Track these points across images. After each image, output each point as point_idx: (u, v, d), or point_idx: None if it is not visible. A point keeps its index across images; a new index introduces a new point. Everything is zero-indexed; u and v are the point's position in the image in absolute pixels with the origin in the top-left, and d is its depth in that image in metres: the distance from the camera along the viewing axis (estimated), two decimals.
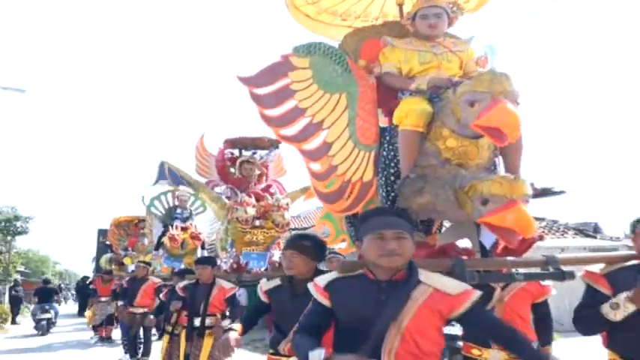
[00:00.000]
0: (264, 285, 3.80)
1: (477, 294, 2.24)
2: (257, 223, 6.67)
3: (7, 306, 21.06)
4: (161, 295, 6.99)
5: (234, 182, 7.45)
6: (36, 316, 16.09)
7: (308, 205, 19.77)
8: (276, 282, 3.72)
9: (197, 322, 5.50)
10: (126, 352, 9.68)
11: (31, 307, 20.40)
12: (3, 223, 27.62)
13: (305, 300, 2.56)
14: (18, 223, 28.16)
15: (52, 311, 16.28)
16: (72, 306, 31.57)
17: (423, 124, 2.97)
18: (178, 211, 10.40)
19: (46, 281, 19.54)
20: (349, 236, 3.94)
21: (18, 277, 27.58)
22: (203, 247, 10.13)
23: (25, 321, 21.40)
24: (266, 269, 6.57)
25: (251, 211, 6.56)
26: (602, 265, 3.07)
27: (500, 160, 3.16)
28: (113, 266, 14.60)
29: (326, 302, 2.32)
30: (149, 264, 9.23)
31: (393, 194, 3.12)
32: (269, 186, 7.41)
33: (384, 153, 3.26)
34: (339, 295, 2.30)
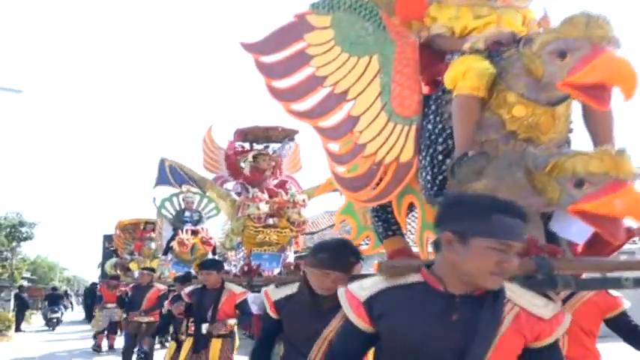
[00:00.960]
0: (271, 293, 2.75)
1: (568, 319, 1.70)
2: (270, 221, 6.00)
3: (11, 313, 20.65)
4: (166, 303, 6.43)
5: (246, 178, 6.81)
6: (47, 316, 20.98)
7: (315, 209, 18.93)
8: (288, 289, 2.72)
9: (205, 328, 5.04)
10: None
11: (37, 314, 25.08)
12: (8, 229, 27.41)
13: (330, 314, 2.39)
14: (23, 229, 28.01)
15: (59, 312, 21.48)
16: (78, 312, 31.18)
17: (483, 88, 2.33)
18: (187, 214, 9.79)
19: (55, 289, 25.10)
20: (375, 233, 3.28)
21: (24, 283, 27.29)
22: (214, 253, 9.55)
23: (31, 329, 21.03)
24: (280, 273, 6.00)
25: (264, 208, 5.91)
26: None
27: None
28: (119, 271, 14.01)
29: (366, 326, 1.71)
30: (153, 270, 8.69)
31: (441, 177, 2.51)
32: (284, 182, 6.75)
33: (429, 126, 2.61)
34: (388, 314, 1.67)
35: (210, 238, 9.03)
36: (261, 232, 5.96)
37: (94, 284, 26.42)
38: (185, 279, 6.11)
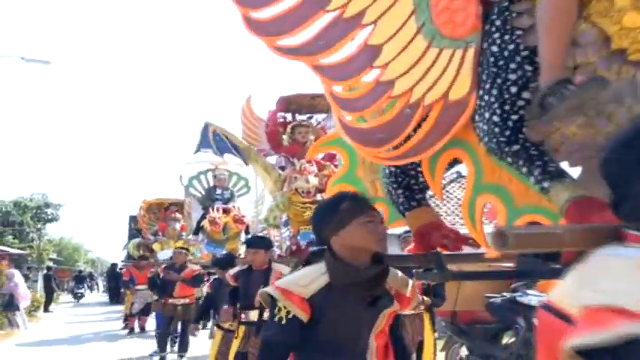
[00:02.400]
0: (303, 284, 1.95)
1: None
2: (319, 197, 5.47)
3: (40, 294, 20.69)
4: (206, 287, 6.01)
5: (287, 151, 6.27)
6: (74, 291, 27.92)
7: None
8: (323, 280, 1.93)
9: (253, 315, 4.57)
10: (158, 346, 8.83)
11: (64, 294, 29.63)
12: (34, 211, 27.51)
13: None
14: (49, 210, 28.13)
15: (83, 289, 28.81)
16: (103, 294, 31.40)
17: None
18: (218, 191, 9.41)
19: (80, 271, 32.33)
20: (392, 205, 2.48)
21: (51, 264, 27.41)
22: (247, 232, 9.14)
23: (59, 309, 21.08)
24: None
25: (313, 181, 5.41)
26: None
27: None
28: (142, 252, 13.73)
29: None
30: (188, 250, 8.28)
31: (515, 116, 1.83)
32: (332, 155, 6.09)
33: (494, 48, 1.89)
34: None
35: (243, 216, 8.63)
36: (308, 208, 5.43)
37: (114, 265, 26.59)
38: (226, 262, 5.59)
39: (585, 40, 1.71)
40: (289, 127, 6.33)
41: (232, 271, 4.95)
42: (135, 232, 20.48)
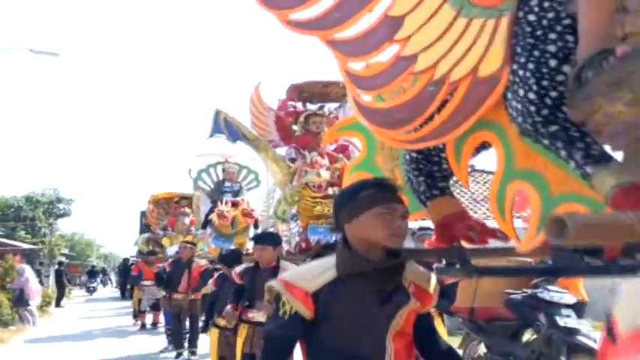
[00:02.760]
0: (309, 277, 1.79)
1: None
2: (330, 191, 5.20)
3: (51, 289, 20.72)
4: (210, 282, 5.77)
5: (299, 141, 5.91)
6: (87, 284, 29.45)
7: None
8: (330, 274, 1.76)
9: (259, 316, 4.35)
10: (169, 343, 8.67)
11: (76, 289, 30.40)
12: (46, 206, 27.61)
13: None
14: (60, 205, 28.21)
15: (95, 283, 29.85)
16: (115, 290, 31.52)
17: None
18: (227, 184, 9.22)
19: (93, 266, 33.91)
20: (412, 194, 2.26)
21: (63, 259, 27.52)
22: (256, 226, 8.94)
23: (70, 305, 21.11)
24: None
25: (325, 175, 5.15)
26: None
27: None
28: (151, 247, 13.56)
29: None
30: (194, 244, 8.08)
31: (554, 93, 1.62)
32: (344, 146, 5.81)
33: (531, 17, 1.67)
34: None
35: (252, 210, 8.43)
36: (319, 203, 5.21)
37: (126, 260, 26.62)
38: (232, 259, 5.30)
39: (636, 6, 1.48)
40: (302, 116, 5.99)
41: (238, 268, 4.70)
42: (146, 227, 20.43)
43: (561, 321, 5.61)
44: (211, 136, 6.28)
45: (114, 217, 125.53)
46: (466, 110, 1.83)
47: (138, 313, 12.65)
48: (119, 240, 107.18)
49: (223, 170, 9.38)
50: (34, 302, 13.57)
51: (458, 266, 1.90)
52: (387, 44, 1.92)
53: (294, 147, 5.84)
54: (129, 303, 19.67)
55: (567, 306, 5.84)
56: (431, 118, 1.92)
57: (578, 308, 6.04)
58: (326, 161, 5.29)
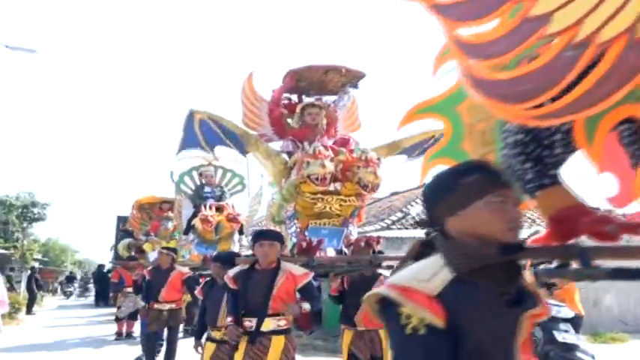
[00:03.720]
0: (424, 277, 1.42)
1: None
2: (332, 187, 4.69)
3: (23, 295, 19.99)
4: (197, 292, 5.33)
5: (295, 134, 5.39)
6: (64, 289, 31.63)
7: None
8: (445, 274, 1.41)
9: (262, 324, 3.91)
10: (143, 352, 8.18)
11: (48, 296, 29.62)
12: (20, 210, 26.80)
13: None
14: (35, 210, 27.40)
15: (72, 287, 32.03)
16: (88, 297, 30.73)
17: None
18: (207, 189, 8.78)
19: (71, 272, 36.63)
20: (518, 182, 1.92)
21: (36, 265, 26.71)
22: (241, 232, 8.55)
23: (42, 312, 20.40)
24: (340, 252, 4.93)
25: (330, 166, 4.56)
26: None
27: None
28: (133, 253, 13.07)
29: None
30: (174, 250, 7.63)
31: None
32: (345, 140, 5.33)
33: None
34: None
35: (238, 215, 8.03)
36: (319, 199, 4.68)
37: (101, 266, 25.91)
38: (228, 259, 4.77)
39: None
40: (299, 107, 5.48)
41: (231, 271, 4.24)
42: (122, 233, 19.87)
43: (559, 336, 5.39)
44: (180, 151, 5.49)
45: (90, 222, 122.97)
46: (618, 78, 1.47)
47: (115, 320, 12.11)
48: (95, 246, 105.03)
49: (200, 174, 8.96)
50: (2, 310, 12.90)
51: (577, 267, 1.60)
52: (509, 4, 1.54)
53: (290, 139, 5.32)
54: (104, 310, 19.10)
55: (565, 320, 5.60)
56: (568, 88, 1.57)
57: (575, 323, 5.80)
58: (330, 153, 4.76)
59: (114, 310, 16.32)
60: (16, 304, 16.94)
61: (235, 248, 8.12)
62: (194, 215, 8.25)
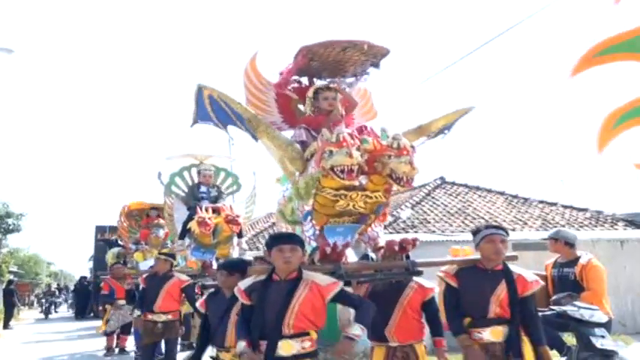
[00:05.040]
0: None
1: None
2: (356, 182, 3.85)
3: None
4: (198, 305, 4.61)
5: (308, 122, 4.60)
6: (48, 302, 26.76)
7: None
8: None
9: (282, 348, 3.26)
10: None
11: (25, 310, 28.34)
12: None
13: None
14: (10, 220, 26.35)
15: (59, 298, 29.59)
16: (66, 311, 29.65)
17: None
18: (203, 189, 8.20)
19: (49, 285, 33.61)
20: None
21: (11, 277, 25.72)
22: (240, 235, 7.97)
23: (20, 326, 19.52)
24: (366, 257, 4.31)
25: (357, 155, 3.71)
26: None
27: None
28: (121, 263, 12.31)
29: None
30: (173, 256, 7.06)
31: None
32: (360, 129, 4.50)
33: None
34: None
35: (237, 217, 7.43)
36: (342, 196, 3.90)
37: (83, 278, 25.01)
38: (237, 267, 4.11)
39: None
40: (311, 90, 4.67)
41: (244, 283, 3.53)
42: (102, 242, 19.11)
43: (597, 342, 4.97)
44: (195, 122, 4.65)
45: (65, 233, 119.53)
46: None
47: (105, 334, 11.33)
48: (71, 257, 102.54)
49: (199, 173, 8.36)
50: None
51: None
52: None
53: (303, 127, 4.55)
54: (86, 324, 18.26)
55: (599, 324, 5.19)
56: None
57: (608, 327, 5.41)
58: (356, 141, 3.95)
59: (94, 323, 15.61)
60: None
61: (235, 252, 7.57)
62: (190, 218, 7.66)
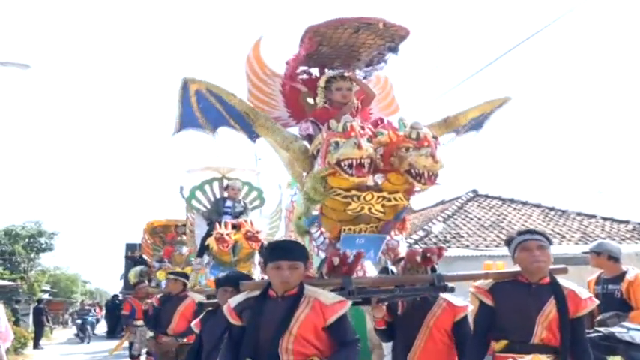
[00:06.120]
0: None
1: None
2: (371, 180, 3.34)
3: (30, 328, 19.14)
4: (193, 324, 4.17)
5: (318, 115, 4.00)
6: (78, 322, 23.16)
7: None
8: None
9: None
10: None
11: (58, 329, 26.44)
12: (27, 240, 26.19)
13: None
14: (42, 239, 26.81)
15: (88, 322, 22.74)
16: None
17: None
18: (228, 204, 7.88)
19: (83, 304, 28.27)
20: None
21: (45, 296, 25.98)
22: (262, 253, 7.65)
23: (51, 346, 19.54)
24: (386, 270, 3.68)
25: (368, 147, 3.16)
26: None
27: None
28: (146, 282, 12.09)
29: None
30: (185, 275, 6.70)
31: None
32: (379, 120, 3.95)
33: None
34: None
35: (257, 232, 7.08)
36: (354, 198, 3.32)
37: (115, 296, 25.05)
38: (238, 282, 3.44)
39: None
40: (322, 79, 4.11)
41: (234, 300, 3.05)
42: (132, 260, 19.06)
43: None
44: (179, 130, 4.05)
45: (99, 250, 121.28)
46: None
47: (131, 358, 11.08)
48: (106, 275, 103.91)
49: (226, 187, 8.00)
50: (5, 345, 11.96)
51: None
52: None
53: (311, 120, 3.97)
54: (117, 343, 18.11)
55: None
56: None
57: None
58: (367, 131, 3.39)
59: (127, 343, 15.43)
60: (22, 338, 16.04)
61: (257, 271, 7.24)
62: (208, 234, 7.36)
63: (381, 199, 3.37)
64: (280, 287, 2.90)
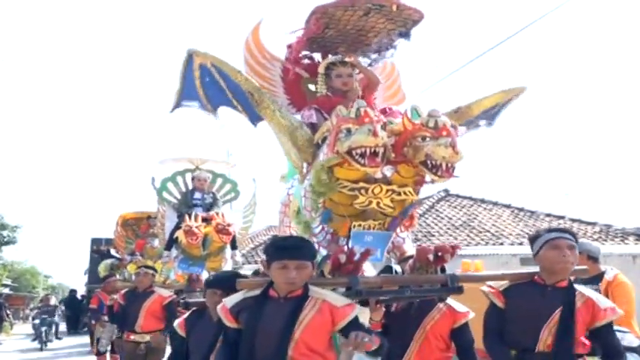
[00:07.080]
0: None
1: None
2: (387, 171, 3.07)
3: None
4: (177, 325, 3.85)
5: (321, 103, 3.76)
6: (35, 325, 18.17)
7: None
8: None
9: None
10: None
11: (19, 324, 24.70)
12: None
13: None
14: (4, 233, 25.96)
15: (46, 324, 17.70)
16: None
17: None
18: (197, 195, 7.59)
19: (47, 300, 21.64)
20: None
21: (5, 290, 25.24)
22: (234, 247, 7.38)
23: (9, 341, 18.97)
24: (390, 269, 3.43)
25: (383, 135, 2.86)
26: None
27: None
28: (117, 276, 11.64)
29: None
30: (154, 269, 6.34)
31: None
32: (387, 108, 3.72)
33: None
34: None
35: (228, 225, 6.80)
36: (361, 191, 3.03)
37: (73, 291, 24.40)
38: (229, 283, 3.05)
39: None
40: (322, 65, 3.87)
41: (230, 300, 2.76)
42: (97, 255, 18.57)
43: None
44: (178, 105, 3.79)
45: (63, 245, 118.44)
46: None
47: (96, 355, 10.66)
48: (68, 270, 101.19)
49: (193, 178, 7.72)
50: None
51: None
52: None
53: (314, 107, 3.73)
54: (79, 340, 17.60)
55: (630, 349, 4.66)
56: None
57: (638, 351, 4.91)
58: (382, 117, 3.08)
59: (86, 338, 14.96)
60: None
61: (227, 266, 7.00)
62: (177, 227, 7.08)
63: (390, 193, 3.11)
64: (285, 288, 2.64)
